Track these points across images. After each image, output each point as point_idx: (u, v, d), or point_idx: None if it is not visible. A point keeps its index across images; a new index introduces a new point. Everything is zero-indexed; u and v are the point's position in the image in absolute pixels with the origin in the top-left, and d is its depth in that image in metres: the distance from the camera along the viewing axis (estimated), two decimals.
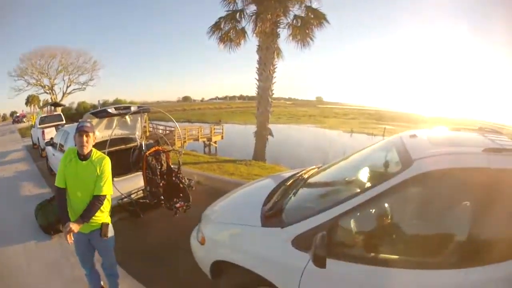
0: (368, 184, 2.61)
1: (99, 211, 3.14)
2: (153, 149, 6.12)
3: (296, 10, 14.20)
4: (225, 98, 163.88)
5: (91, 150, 3.19)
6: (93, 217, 3.12)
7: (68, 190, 3.16)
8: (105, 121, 6.90)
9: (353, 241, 2.44)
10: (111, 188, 3.26)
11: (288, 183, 3.41)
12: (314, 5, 13.95)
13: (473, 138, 2.85)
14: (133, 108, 6.71)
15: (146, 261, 4.67)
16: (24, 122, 60.61)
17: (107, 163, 3.23)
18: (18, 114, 79.24)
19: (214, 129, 29.49)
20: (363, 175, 3.00)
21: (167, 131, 22.99)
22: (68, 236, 2.89)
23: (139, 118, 7.59)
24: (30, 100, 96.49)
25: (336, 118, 62.37)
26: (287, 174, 4.06)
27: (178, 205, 5.67)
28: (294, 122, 53.67)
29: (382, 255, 2.27)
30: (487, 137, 2.68)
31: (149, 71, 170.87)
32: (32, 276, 4.65)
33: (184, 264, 4.15)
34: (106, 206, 3.26)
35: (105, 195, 3.17)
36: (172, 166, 6.35)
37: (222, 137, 29.63)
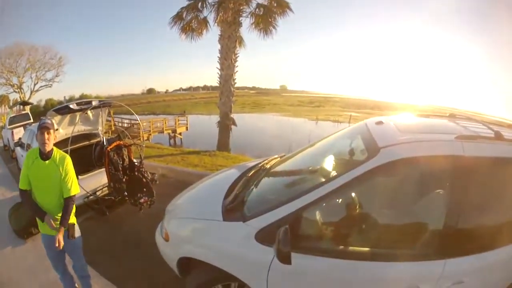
0: (333, 174, 2.57)
1: (61, 207, 3.09)
2: (114, 144, 5.98)
3: None
4: (189, 89, 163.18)
5: (52, 150, 3.12)
6: (59, 216, 3.07)
7: (33, 192, 3.11)
8: (68, 117, 6.74)
9: (319, 234, 2.38)
10: (78, 187, 3.22)
11: (249, 174, 3.36)
12: None
13: (444, 125, 2.83)
14: (94, 103, 6.56)
15: (116, 259, 4.61)
16: None
17: (69, 162, 3.17)
18: None
19: (178, 120, 29.23)
20: (328, 164, 2.97)
21: (132, 125, 22.64)
22: (58, 240, 2.89)
23: (101, 113, 7.41)
24: (0, 100, 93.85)
25: (301, 106, 63.20)
26: (250, 164, 4.00)
27: (142, 200, 5.57)
28: (258, 111, 53.90)
29: (351, 248, 2.23)
30: (459, 124, 2.68)
31: (112, 64, 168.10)
32: (13, 284, 4.54)
33: (154, 260, 4.01)
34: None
35: (75, 195, 3.14)
36: (134, 161, 6.24)
37: (187, 128, 29.32)
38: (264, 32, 14.21)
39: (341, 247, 2.24)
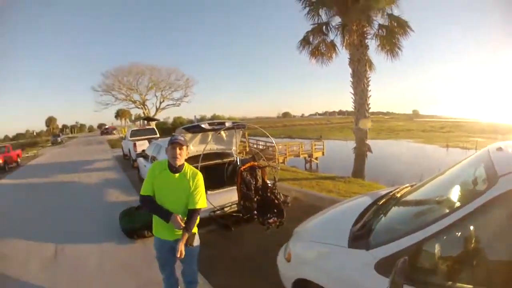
0: (456, 205, 2.38)
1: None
2: (248, 164, 6.13)
3: (379, 19, 13.84)
4: (325, 113, 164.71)
5: (183, 164, 3.28)
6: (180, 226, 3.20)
7: (157, 201, 3.28)
8: (199, 136, 7.15)
9: (436, 268, 2.19)
10: (205, 202, 3.33)
11: (381, 202, 3.29)
12: (395, 12, 13.51)
13: None
14: (227, 124, 6.84)
15: (229, 272, 4.75)
16: (114, 134, 65.51)
17: (200, 178, 3.30)
18: (107, 127, 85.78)
19: (315, 145, 29.35)
20: (453, 195, 2.77)
21: (268, 147, 23.29)
22: (180, 249, 3.04)
23: (235, 134, 7.69)
24: (120, 114, 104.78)
25: (432, 131, 60.78)
26: (382, 192, 3.89)
27: (271, 220, 5.64)
28: (393, 137, 52.04)
29: (464, 284, 2.04)
30: None
31: (247, 87, 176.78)
32: (101, 275, 5.01)
33: (268, 278, 4.17)
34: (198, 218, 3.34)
35: (200, 209, 3.27)
36: (268, 182, 6.31)
37: (323, 153, 29.29)
38: (390, 54, 13.77)
39: (457, 283, 2.05)
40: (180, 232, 3.16)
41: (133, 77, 49.47)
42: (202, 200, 3.27)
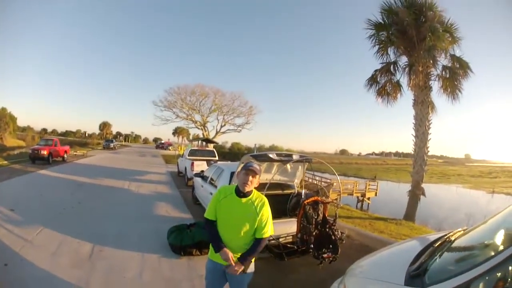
0: (500, 248, 2.45)
1: (247, 245, 3.26)
2: (312, 198, 6.10)
3: (443, 60, 13.73)
4: (381, 153, 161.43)
5: (252, 190, 3.28)
6: (241, 250, 3.24)
7: (218, 224, 3.32)
8: (264, 165, 7.13)
9: None
10: (273, 229, 3.35)
11: (436, 244, 3.33)
12: (457, 53, 13.42)
13: None
14: (295, 157, 6.89)
15: None
16: (169, 150, 66.04)
17: (267, 205, 3.30)
18: (163, 142, 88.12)
19: (369, 185, 28.94)
20: (497, 239, 2.82)
21: (332, 183, 23.12)
22: (234, 269, 3.11)
23: (300, 167, 7.71)
24: (178, 131, 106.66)
25: (481, 177, 59.94)
26: (434, 236, 3.92)
27: (325, 255, 5.59)
28: (444, 182, 50.66)
29: None
30: None
31: (307, 120, 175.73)
32: (137, 283, 5.07)
33: None
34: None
35: (267, 237, 3.29)
36: (327, 218, 6.29)
37: (376, 194, 28.77)
38: (451, 97, 13.57)
39: None
40: (236, 257, 3.20)
41: (196, 98, 49.85)
42: (270, 229, 3.29)
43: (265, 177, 7.01)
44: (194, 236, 6.41)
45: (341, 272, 3.81)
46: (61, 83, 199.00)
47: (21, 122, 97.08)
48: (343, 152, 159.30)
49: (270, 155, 6.65)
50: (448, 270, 2.60)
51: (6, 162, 20.88)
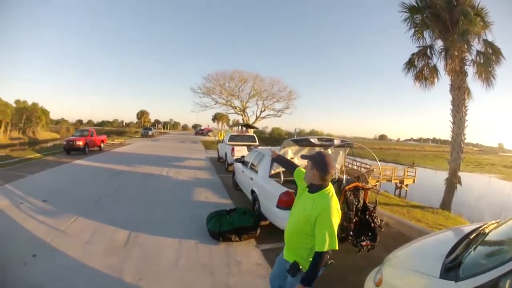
0: None
1: (301, 247, 2.90)
2: (353, 184, 6.00)
3: (476, 45, 13.35)
4: (419, 140, 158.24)
5: (325, 186, 2.90)
6: (294, 249, 2.98)
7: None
8: (306, 150, 7.22)
9: None
10: (336, 243, 2.70)
11: (471, 237, 3.30)
12: (489, 38, 13.09)
13: None
14: (336, 142, 6.93)
15: None
16: (209, 136, 66.53)
17: (331, 210, 2.75)
18: (202, 128, 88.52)
19: (407, 171, 28.40)
20: None
21: (372, 169, 22.94)
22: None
23: (341, 152, 7.72)
24: (217, 117, 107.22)
25: None
26: (468, 227, 3.86)
27: (364, 243, 5.57)
28: (478, 171, 48.82)
29: None
30: None
31: (348, 105, 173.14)
32: (173, 270, 5.08)
33: None
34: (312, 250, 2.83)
35: (326, 252, 2.68)
36: (368, 205, 6.18)
37: (413, 181, 28.18)
38: (486, 82, 13.17)
39: None
40: (293, 256, 2.96)
41: (235, 84, 50.28)
42: (331, 240, 2.68)
43: (305, 162, 7.02)
44: (233, 222, 6.41)
45: (378, 260, 3.81)
46: (96, 74, 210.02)
47: (55, 115, 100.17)
48: (382, 137, 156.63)
49: (312, 140, 6.67)
50: (481, 264, 2.60)
51: (38, 154, 21.23)
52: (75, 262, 5.18)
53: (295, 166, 3.59)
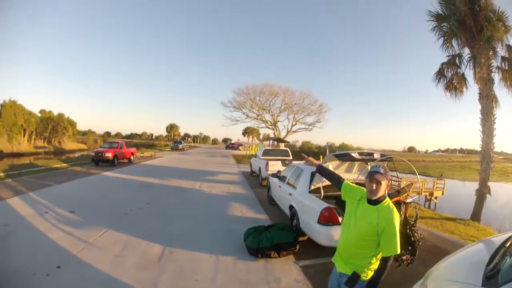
0: None
1: (362, 257, 3.01)
2: (395, 199, 5.91)
3: (500, 50, 13.15)
4: (446, 150, 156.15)
5: (383, 197, 3.05)
6: (352, 260, 3.05)
7: (342, 226, 3.25)
8: (346, 164, 7.22)
9: None
10: (398, 247, 2.91)
11: (507, 245, 3.24)
12: (511, 42, 12.80)
13: None
14: (376, 155, 6.90)
15: None
16: (240, 150, 67.18)
17: (394, 217, 2.94)
18: (233, 142, 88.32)
19: (436, 183, 27.85)
20: None
21: (412, 183, 22.62)
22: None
23: (385, 166, 7.54)
24: (248, 131, 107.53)
25: None
26: (502, 236, 3.83)
27: (404, 257, 5.44)
28: (503, 180, 47.40)
29: None
30: None
31: (373, 118, 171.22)
32: (213, 286, 4.99)
33: None
34: (374, 260, 3.03)
35: (391, 256, 2.92)
36: (408, 219, 6.01)
37: (442, 193, 27.61)
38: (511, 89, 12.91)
39: None
40: (349, 267, 3.05)
41: (265, 98, 50.12)
42: (395, 245, 2.90)
43: (346, 177, 6.97)
44: (273, 238, 6.30)
45: (416, 274, 3.80)
46: (124, 87, 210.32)
47: (82, 126, 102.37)
48: (411, 149, 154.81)
49: (353, 154, 6.65)
50: None
51: (65, 164, 21.60)
52: (104, 276, 5.13)
53: (340, 178, 3.62)
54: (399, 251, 2.91)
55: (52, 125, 59.20)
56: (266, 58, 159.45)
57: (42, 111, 61.14)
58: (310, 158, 3.88)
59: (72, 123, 65.18)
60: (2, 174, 15.73)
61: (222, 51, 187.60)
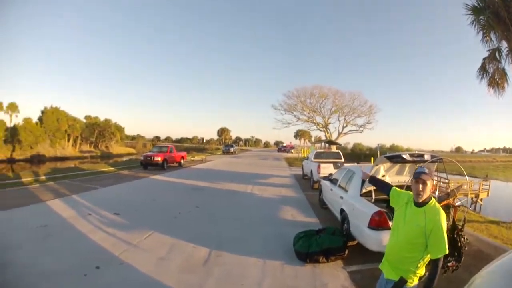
0: None
1: (409, 262, 3.02)
2: (445, 202, 5.75)
3: None
4: (491, 150, 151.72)
5: (429, 198, 3.07)
6: (399, 265, 3.08)
7: (391, 231, 3.28)
8: (397, 166, 7.17)
9: None
10: (446, 247, 2.89)
11: None
12: None
13: None
14: (426, 157, 6.77)
15: None
16: (292, 152, 67.14)
17: (441, 218, 2.95)
18: (285, 145, 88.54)
19: (482, 185, 26.85)
20: None
21: (461, 185, 22.19)
22: None
23: (430, 167, 7.34)
24: (299, 134, 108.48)
25: None
26: None
27: (450, 264, 5.29)
28: None
29: None
30: None
31: (422, 119, 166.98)
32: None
33: None
34: (421, 265, 3.04)
35: (440, 258, 2.89)
36: (456, 223, 5.82)
37: (487, 194, 26.65)
38: None
39: None
40: (397, 271, 3.09)
41: (316, 100, 49.88)
42: (443, 246, 2.88)
43: (397, 179, 7.00)
44: (323, 243, 6.23)
45: (461, 281, 3.70)
46: (175, 91, 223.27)
47: (131, 131, 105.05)
48: (458, 149, 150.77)
49: (404, 156, 6.60)
50: None
51: (112, 168, 22.14)
52: (145, 278, 5.18)
53: (389, 185, 3.67)
54: (447, 251, 2.87)
55: (98, 130, 61.35)
56: (317, 60, 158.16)
57: (87, 117, 63.80)
58: (364, 172, 4.08)
59: (119, 128, 67.51)
60: (43, 177, 16.24)
61: (272, 54, 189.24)
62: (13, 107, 54.97)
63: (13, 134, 50.09)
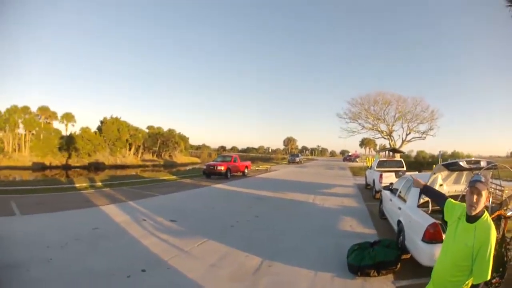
0: None
1: (454, 286, 2.79)
2: (497, 213, 5.35)
3: None
4: None
5: (482, 212, 2.78)
6: (451, 279, 2.80)
7: (440, 250, 3.05)
8: (454, 175, 6.94)
9: None
10: (489, 273, 2.65)
11: None
12: None
13: None
14: (482, 163, 6.45)
15: None
16: (357, 161, 66.40)
17: (491, 236, 2.67)
18: (350, 154, 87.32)
19: None
20: None
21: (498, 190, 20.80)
22: None
23: (487, 175, 7.00)
24: (365, 143, 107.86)
25: None
26: None
27: (494, 280, 4.87)
28: None
29: None
30: None
31: (480, 123, 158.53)
32: None
33: None
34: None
35: (480, 284, 2.65)
36: (505, 236, 5.45)
37: None
38: None
39: None
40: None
41: (379, 107, 48.36)
42: (487, 270, 2.63)
43: (454, 189, 6.79)
44: (376, 256, 5.98)
45: None
46: (242, 102, 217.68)
47: (195, 141, 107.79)
48: None
49: (460, 163, 6.34)
50: None
51: (174, 176, 22.71)
52: (190, 283, 5.20)
53: (444, 197, 3.40)
54: (489, 277, 2.63)
55: (161, 140, 63.36)
56: (376, 68, 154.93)
57: (150, 127, 66.02)
58: (416, 179, 3.77)
59: (183, 138, 69.69)
60: (99, 183, 17.02)
61: (335, 63, 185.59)
62: (68, 117, 59.09)
63: (68, 142, 53.36)
